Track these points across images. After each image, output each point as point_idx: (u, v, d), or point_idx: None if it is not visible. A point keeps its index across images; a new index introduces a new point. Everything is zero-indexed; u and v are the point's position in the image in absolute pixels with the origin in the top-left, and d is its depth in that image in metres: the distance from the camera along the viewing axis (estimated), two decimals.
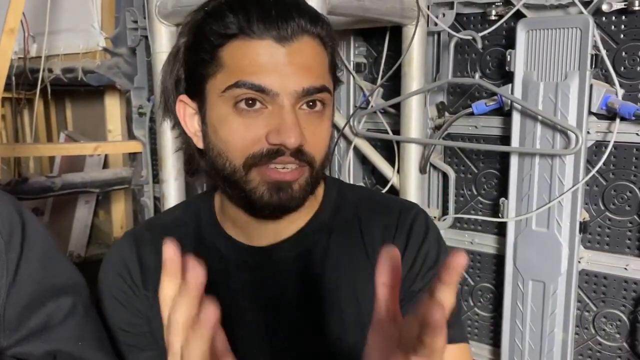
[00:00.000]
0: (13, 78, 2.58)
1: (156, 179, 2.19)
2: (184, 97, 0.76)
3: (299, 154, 0.70)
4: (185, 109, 0.76)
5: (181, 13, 1.30)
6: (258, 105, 0.69)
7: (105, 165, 2.80)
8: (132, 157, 2.42)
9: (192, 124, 0.76)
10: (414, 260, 0.78)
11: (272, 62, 0.68)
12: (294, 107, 0.69)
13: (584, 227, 1.31)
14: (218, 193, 0.83)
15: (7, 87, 2.24)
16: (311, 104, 0.71)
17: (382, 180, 1.57)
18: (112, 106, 2.69)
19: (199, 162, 0.78)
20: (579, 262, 1.33)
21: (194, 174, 0.82)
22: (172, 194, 1.42)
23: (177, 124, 0.78)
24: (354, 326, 0.76)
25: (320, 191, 0.83)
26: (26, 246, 0.71)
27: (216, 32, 0.70)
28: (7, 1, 2.05)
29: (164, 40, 1.35)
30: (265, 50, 0.68)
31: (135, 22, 2.10)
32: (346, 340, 0.76)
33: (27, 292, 0.69)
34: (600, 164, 1.28)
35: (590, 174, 1.28)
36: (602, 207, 1.33)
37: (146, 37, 2.03)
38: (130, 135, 2.32)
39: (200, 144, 0.76)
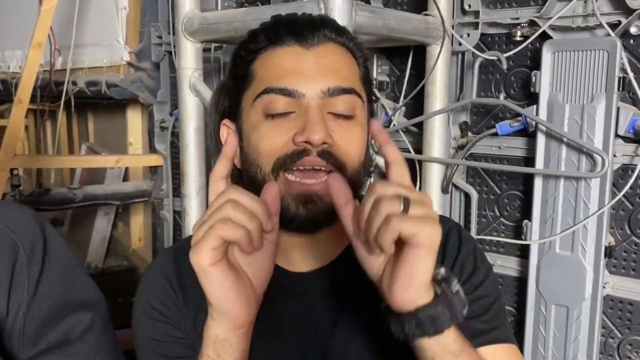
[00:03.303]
0: (38, 90, 2.62)
1: (176, 192, 2.21)
2: (226, 121, 0.77)
3: (326, 155, 0.68)
4: (229, 133, 0.77)
5: (207, 30, 1.31)
6: (287, 112, 0.70)
7: (126, 178, 2.82)
8: (153, 170, 2.44)
9: (233, 148, 0.75)
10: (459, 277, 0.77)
11: (297, 65, 0.70)
12: (322, 108, 0.69)
13: (609, 251, 1.29)
14: None
15: (32, 98, 2.28)
16: (341, 109, 0.71)
17: None
18: (134, 119, 2.72)
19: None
20: (604, 287, 1.31)
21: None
22: (194, 208, 1.42)
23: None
24: (396, 347, 0.74)
25: None
26: (47, 261, 0.71)
27: (249, 49, 0.73)
28: (35, 16, 2.09)
29: (189, 56, 1.37)
30: (291, 56, 0.71)
31: (160, 37, 2.12)
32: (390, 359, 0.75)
33: (47, 306, 0.70)
34: (627, 187, 1.26)
35: (617, 198, 1.26)
36: (628, 232, 1.30)
37: (170, 53, 2.06)
38: (152, 149, 2.34)
39: (239, 165, 0.76)
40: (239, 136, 0.75)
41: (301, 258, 0.78)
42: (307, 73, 0.69)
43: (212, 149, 0.83)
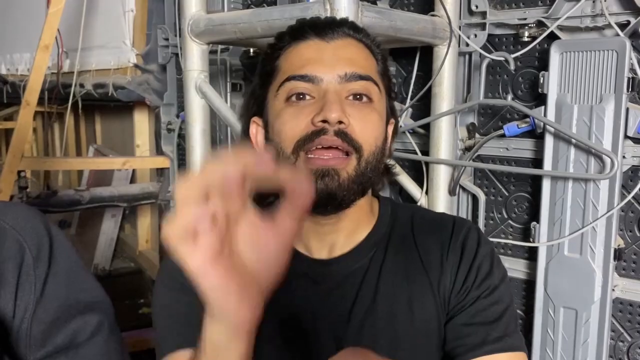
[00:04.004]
0: (46, 92, 2.63)
1: None
2: (255, 118, 0.81)
3: (342, 134, 0.72)
4: (257, 129, 0.81)
5: (213, 32, 1.31)
6: (307, 98, 0.74)
7: (133, 179, 2.83)
8: (160, 172, 2.45)
9: (261, 141, 0.81)
10: (468, 273, 0.80)
11: (317, 55, 0.75)
12: (339, 92, 0.73)
13: (618, 254, 1.27)
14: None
15: (40, 101, 2.29)
16: (358, 97, 0.75)
17: (410, 201, 1.55)
18: (141, 121, 2.73)
19: None
20: (613, 290, 1.29)
21: (263, 201, 0.82)
22: None
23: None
24: (408, 337, 0.78)
25: (375, 207, 0.85)
26: (54, 262, 0.71)
27: (274, 47, 0.79)
28: (43, 19, 2.11)
29: (195, 58, 1.36)
30: (311, 48, 0.76)
31: (167, 39, 2.13)
32: (400, 350, 0.78)
33: (54, 308, 0.69)
34: (637, 189, 1.24)
35: (626, 200, 1.25)
36: (638, 234, 1.29)
37: (176, 55, 2.06)
38: (158, 151, 2.34)
39: None
40: (265, 128, 0.79)
41: (319, 245, 0.80)
42: (325, 61, 0.75)
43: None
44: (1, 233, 0.67)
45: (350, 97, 0.74)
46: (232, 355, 0.56)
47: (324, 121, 0.71)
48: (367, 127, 0.74)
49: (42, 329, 0.67)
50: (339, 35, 0.76)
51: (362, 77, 0.74)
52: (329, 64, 0.74)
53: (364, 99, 0.75)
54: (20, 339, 0.66)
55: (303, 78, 0.74)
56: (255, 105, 0.81)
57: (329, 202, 0.73)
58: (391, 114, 0.81)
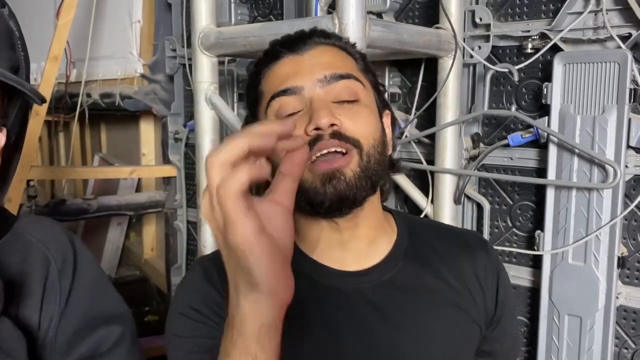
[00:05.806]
0: (52, 102, 2.65)
1: (190, 203, 2.23)
2: None
3: (338, 135, 0.72)
4: None
5: (223, 45, 1.34)
6: (294, 111, 0.75)
7: (138, 188, 2.85)
8: (166, 181, 2.46)
9: None
10: (504, 302, 0.85)
11: (293, 68, 0.76)
12: (324, 97, 0.74)
13: (622, 262, 1.29)
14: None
15: (47, 110, 2.31)
16: (343, 96, 0.75)
17: (415, 209, 1.58)
18: (147, 130, 2.74)
19: None
20: (617, 297, 1.31)
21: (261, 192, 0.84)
22: None
23: None
24: (442, 351, 0.80)
25: (390, 220, 0.86)
26: (77, 274, 0.73)
27: (256, 73, 0.80)
28: (48, 29, 2.13)
29: (205, 70, 1.39)
30: (287, 64, 0.77)
31: (174, 50, 2.15)
32: None
33: (78, 318, 0.72)
34: (639, 198, 1.26)
35: (629, 209, 1.27)
36: None
37: (184, 65, 2.08)
38: (165, 160, 2.36)
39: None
40: None
41: (342, 254, 0.80)
42: (303, 70, 0.75)
43: None
44: (28, 246, 0.70)
45: (337, 100, 0.75)
46: (275, 338, 0.57)
47: (317, 129, 0.71)
48: (359, 124, 0.74)
49: (66, 338, 0.70)
50: (311, 45, 0.77)
51: (342, 77, 0.75)
52: (306, 72, 0.75)
53: (350, 98, 0.75)
54: (46, 348, 0.69)
55: (285, 92, 0.74)
56: None
57: (341, 204, 0.74)
58: (384, 106, 0.82)
